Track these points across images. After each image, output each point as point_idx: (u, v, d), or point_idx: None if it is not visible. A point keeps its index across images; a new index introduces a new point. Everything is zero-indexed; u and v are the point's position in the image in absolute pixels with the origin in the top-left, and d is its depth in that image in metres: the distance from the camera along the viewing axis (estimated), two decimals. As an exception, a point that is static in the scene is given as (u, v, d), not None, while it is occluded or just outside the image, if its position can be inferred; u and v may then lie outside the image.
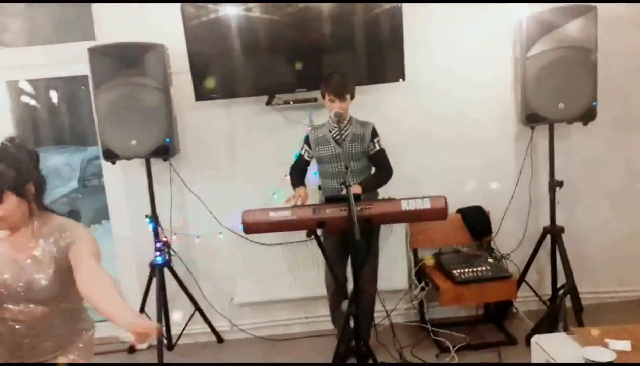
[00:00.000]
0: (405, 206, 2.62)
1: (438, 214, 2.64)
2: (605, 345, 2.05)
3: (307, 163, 3.19)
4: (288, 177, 3.23)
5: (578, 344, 2.13)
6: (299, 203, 2.84)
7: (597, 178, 3.65)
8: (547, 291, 3.61)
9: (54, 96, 7.19)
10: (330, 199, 2.73)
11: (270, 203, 3.45)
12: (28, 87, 4.72)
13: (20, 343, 1.84)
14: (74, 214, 7.34)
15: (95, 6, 3.39)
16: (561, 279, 3.42)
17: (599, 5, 3.14)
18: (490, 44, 3.48)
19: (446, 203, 2.63)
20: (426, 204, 2.62)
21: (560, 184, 3.38)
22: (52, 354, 1.90)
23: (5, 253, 1.80)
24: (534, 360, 2.32)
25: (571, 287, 3.33)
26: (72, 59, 3.42)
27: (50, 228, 1.82)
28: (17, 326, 1.82)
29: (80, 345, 1.96)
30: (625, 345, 2.03)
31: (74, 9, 3.51)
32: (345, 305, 2.78)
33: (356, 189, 2.82)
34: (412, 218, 2.75)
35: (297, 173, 3.18)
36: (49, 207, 1.92)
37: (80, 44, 3.28)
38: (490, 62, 3.51)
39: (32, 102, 6.13)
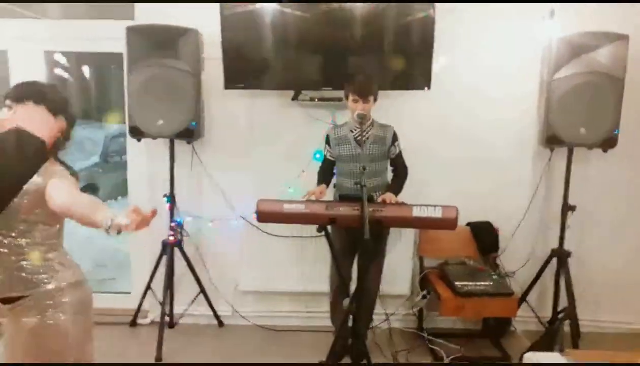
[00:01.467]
0: (416, 212, 2.66)
1: (448, 224, 2.68)
2: (598, 367, 2.07)
3: (333, 163, 3.22)
4: (304, 173, 3.28)
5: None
6: (312, 198, 2.90)
7: (611, 207, 3.65)
8: (547, 313, 3.62)
9: (85, 70, 7.35)
10: (345, 198, 2.79)
11: (284, 196, 3.51)
12: (62, 60, 4.84)
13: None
14: (91, 188, 7.52)
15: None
16: (563, 303, 3.45)
17: (631, 34, 3.16)
18: (518, 63, 3.51)
19: (457, 213, 2.67)
20: (437, 213, 2.66)
21: (573, 208, 3.40)
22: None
23: None
24: (525, 376, 2.35)
25: (571, 312, 3.35)
26: (109, 36, 3.52)
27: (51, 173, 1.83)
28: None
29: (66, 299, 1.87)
30: (617, 370, 2.06)
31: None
32: (346, 302, 2.83)
33: (393, 197, 2.88)
34: (422, 225, 2.80)
35: (325, 174, 3.22)
36: (63, 161, 1.94)
37: (119, 23, 3.38)
38: (516, 81, 3.53)
39: (65, 75, 6.28)
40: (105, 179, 7.60)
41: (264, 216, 2.69)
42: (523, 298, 3.59)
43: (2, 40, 3.67)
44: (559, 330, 3.31)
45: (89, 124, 8.37)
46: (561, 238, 3.46)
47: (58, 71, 5.78)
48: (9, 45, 3.69)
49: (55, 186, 1.79)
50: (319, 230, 2.68)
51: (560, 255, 3.45)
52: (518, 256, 3.67)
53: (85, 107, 8.54)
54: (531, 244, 3.67)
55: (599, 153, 3.35)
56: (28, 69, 3.64)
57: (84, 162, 7.68)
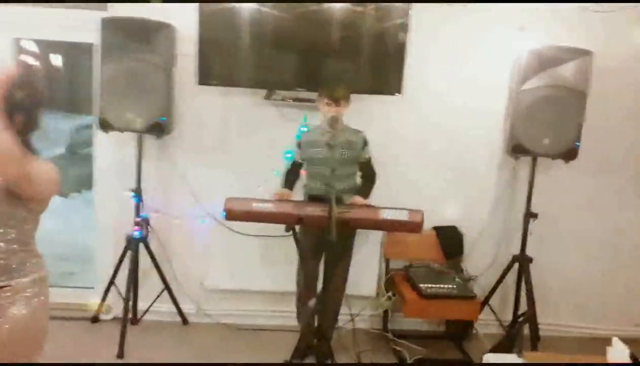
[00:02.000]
0: (383, 215, 2.72)
1: (414, 227, 2.75)
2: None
3: (300, 166, 3.24)
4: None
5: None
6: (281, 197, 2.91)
7: (571, 215, 3.78)
8: (508, 317, 3.73)
9: (53, 59, 7.17)
10: (314, 198, 2.81)
11: (254, 195, 3.51)
12: (32, 47, 4.70)
13: None
14: (55, 180, 7.32)
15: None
16: (523, 307, 3.55)
17: (595, 50, 3.28)
18: (489, 73, 3.59)
19: (423, 217, 2.73)
20: (404, 216, 2.73)
21: (535, 216, 3.51)
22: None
23: None
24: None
25: (531, 316, 3.45)
26: (81, 26, 3.45)
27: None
28: None
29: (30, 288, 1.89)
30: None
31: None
32: (312, 302, 2.85)
33: (363, 200, 2.93)
34: (389, 227, 2.85)
35: (292, 176, 3.23)
36: (35, 150, 1.91)
37: (92, 13, 3.31)
38: (486, 89, 3.62)
39: (33, 61, 6.10)
40: (70, 172, 7.43)
41: (232, 215, 2.70)
42: (485, 302, 3.68)
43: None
44: (519, 333, 3.42)
45: (55, 114, 8.17)
46: (523, 244, 3.56)
47: (24, 58, 5.62)
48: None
49: None
50: (287, 230, 2.70)
51: (522, 261, 3.55)
52: (482, 261, 3.76)
53: (52, 97, 8.33)
54: (494, 250, 3.77)
55: (561, 164, 3.46)
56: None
57: (48, 152, 7.48)
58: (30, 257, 1.92)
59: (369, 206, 2.87)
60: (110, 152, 3.63)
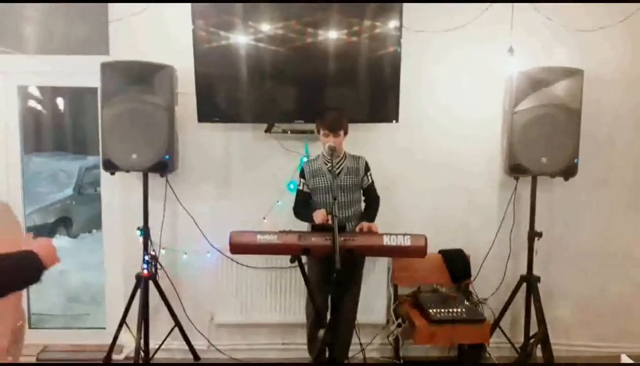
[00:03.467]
0: (386, 241, 2.72)
1: (417, 251, 2.74)
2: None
3: (308, 195, 3.25)
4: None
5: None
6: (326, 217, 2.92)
7: (576, 232, 3.78)
8: (520, 339, 3.69)
9: (59, 103, 7.34)
10: (318, 228, 2.84)
11: (260, 227, 3.55)
12: (36, 92, 4.85)
13: None
14: (65, 221, 7.42)
15: (113, 23, 3.55)
16: (534, 328, 3.52)
17: (586, 68, 3.34)
18: (483, 95, 3.66)
19: (426, 241, 2.73)
20: (407, 241, 2.72)
21: (540, 235, 3.51)
22: None
23: None
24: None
25: (543, 336, 3.42)
26: (84, 71, 3.57)
27: None
28: None
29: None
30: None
31: (92, 23, 3.66)
32: (321, 333, 2.84)
33: (370, 225, 2.94)
34: (393, 253, 2.85)
35: (304, 207, 3.24)
36: None
37: (94, 58, 3.42)
38: (481, 112, 3.68)
39: (38, 107, 6.27)
40: (79, 212, 7.52)
41: (237, 248, 2.72)
42: (496, 324, 3.66)
43: (-25, 75, 3.68)
44: (530, 355, 3.39)
45: (63, 156, 8.31)
46: (529, 264, 3.55)
47: (31, 104, 5.77)
48: (-18, 80, 3.70)
49: None
50: (291, 261, 2.71)
51: (529, 281, 3.54)
52: (489, 283, 3.76)
53: (59, 139, 8.50)
54: (502, 271, 3.76)
55: (562, 181, 3.48)
56: (1, 103, 3.67)
57: (58, 194, 7.59)
58: None
59: (372, 233, 2.90)
60: (117, 192, 3.70)
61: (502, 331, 3.69)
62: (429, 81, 3.66)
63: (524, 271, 3.60)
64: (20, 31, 3.76)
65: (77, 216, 7.52)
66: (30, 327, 3.89)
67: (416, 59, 3.53)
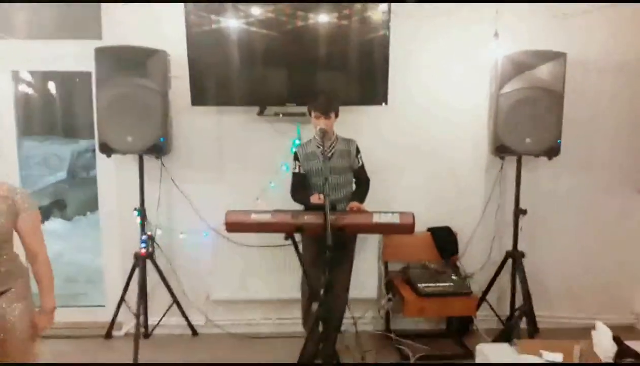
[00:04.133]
0: (376, 218, 2.85)
1: (406, 228, 2.88)
2: (540, 356, 2.28)
3: (304, 177, 3.31)
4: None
5: (516, 353, 2.38)
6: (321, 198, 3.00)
7: (559, 210, 3.92)
8: (506, 312, 3.85)
9: (51, 87, 7.34)
10: (310, 208, 2.95)
11: (253, 207, 3.64)
12: (28, 77, 4.88)
13: None
14: (58, 204, 7.47)
15: (104, 8, 3.59)
16: (519, 301, 3.66)
17: (569, 52, 3.44)
18: (470, 78, 3.75)
19: (414, 219, 2.86)
20: (395, 219, 2.86)
21: (524, 212, 3.64)
22: None
23: None
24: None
25: (527, 309, 3.56)
26: (77, 56, 3.61)
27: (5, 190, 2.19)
28: None
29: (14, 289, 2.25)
30: (557, 357, 2.27)
31: (84, 8, 3.69)
32: (314, 306, 2.96)
33: (359, 205, 3.07)
34: (382, 230, 2.99)
35: (301, 189, 3.31)
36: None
37: (87, 43, 3.47)
38: (468, 94, 3.77)
39: (30, 91, 6.26)
40: (73, 195, 7.56)
41: (232, 226, 2.84)
42: (483, 298, 3.81)
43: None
44: (515, 326, 3.54)
45: (55, 140, 8.32)
46: (515, 240, 3.69)
47: (23, 88, 5.78)
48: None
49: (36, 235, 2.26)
50: (286, 238, 2.83)
51: (515, 256, 3.68)
52: (476, 259, 3.90)
53: (51, 123, 8.50)
54: (488, 247, 3.90)
55: (545, 161, 3.60)
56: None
57: (50, 178, 7.63)
58: (17, 267, 2.30)
59: (363, 211, 3.01)
60: (113, 174, 3.77)
61: (489, 304, 3.85)
62: (416, 65, 3.73)
63: (509, 247, 3.74)
64: (11, 16, 3.79)
65: (71, 199, 7.57)
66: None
67: (404, 43, 3.60)
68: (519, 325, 3.53)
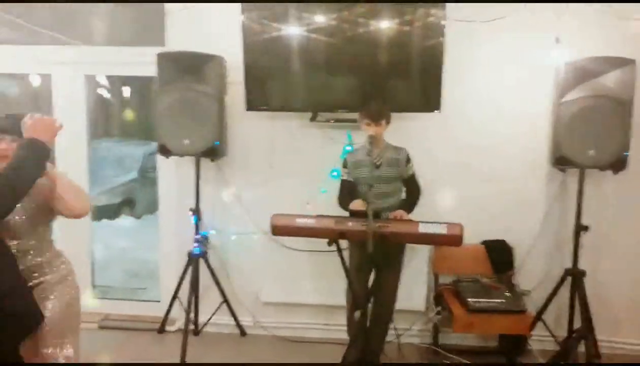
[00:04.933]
0: (422, 228, 2.79)
1: (453, 240, 2.79)
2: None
3: (353, 184, 3.29)
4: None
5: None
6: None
7: (624, 227, 3.66)
8: (564, 333, 3.63)
9: (126, 91, 7.78)
10: (354, 214, 2.94)
11: (303, 211, 3.67)
12: (104, 82, 5.20)
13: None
14: (130, 202, 7.91)
15: (168, 16, 3.76)
16: (578, 323, 3.46)
17: (638, 58, 3.22)
18: (530, 86, 3.59)
19: (462, 230, 2.77)
20: (442, 230, 2.78)
21: (586, 228, 3.44)
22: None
23: None
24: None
25: (586, 331, 3.35)
26: (144, 61, 3.80)
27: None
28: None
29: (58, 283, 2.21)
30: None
31: (150, 16, 3.89)
32: (357, 314, 2.93)
33: (403, 214, 3.05)
34: (428, 240, 2.91)
35: (348, 196, 3.27)
36: None
37: (152, 49, 3.66)
38: (528, 103, 3.61)
39: (107, 95, 6.67)
40: (142, 194, 7.97)
41: (277, 230, 2.88)
42: (538, 317, 3.61)
43: (47, 65, 4.02)
44: (572, 349, 3.34)
45: (130, 142, 8.83)
46: (575, 258, 3.49)
47: (100, 91, 6.17)
48: (53, 69, 4.03)
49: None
50: (329, 244, 2.83)
51: (575, 275, 3.47)
52: (533, 276, 3.72)
53: (128, 126, 9.04)
54: (546, 263, 3.71)
55: (611, 175, 3.38)
56: (69, 91, 3.99)
57: (122, 177, 8.09)
58: (56, 257, 2.26)
59: (407, 220, 2.95)
60: (172, 175, 3.94)
61: (545, 324, 3.65)
62: (475, 70, 3.63)
63: (568, 264, 3.54)
64: (86, 25, 4.06)
65: (140, 197, 7.99)
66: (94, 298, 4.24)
67: (460, 49, 3.52)
68: (576, 348, 3.33)
